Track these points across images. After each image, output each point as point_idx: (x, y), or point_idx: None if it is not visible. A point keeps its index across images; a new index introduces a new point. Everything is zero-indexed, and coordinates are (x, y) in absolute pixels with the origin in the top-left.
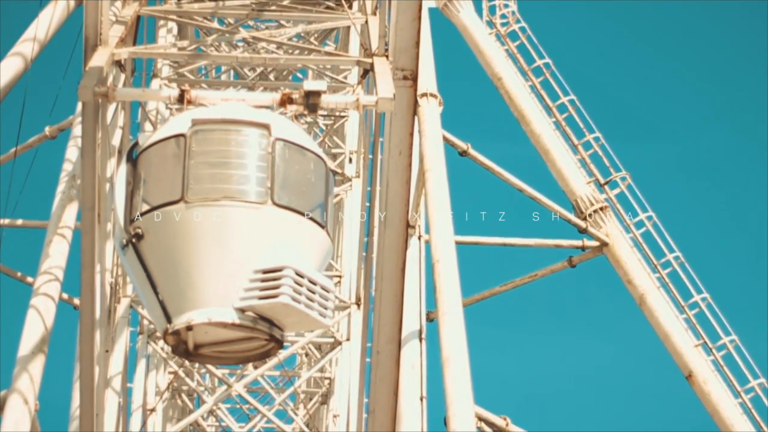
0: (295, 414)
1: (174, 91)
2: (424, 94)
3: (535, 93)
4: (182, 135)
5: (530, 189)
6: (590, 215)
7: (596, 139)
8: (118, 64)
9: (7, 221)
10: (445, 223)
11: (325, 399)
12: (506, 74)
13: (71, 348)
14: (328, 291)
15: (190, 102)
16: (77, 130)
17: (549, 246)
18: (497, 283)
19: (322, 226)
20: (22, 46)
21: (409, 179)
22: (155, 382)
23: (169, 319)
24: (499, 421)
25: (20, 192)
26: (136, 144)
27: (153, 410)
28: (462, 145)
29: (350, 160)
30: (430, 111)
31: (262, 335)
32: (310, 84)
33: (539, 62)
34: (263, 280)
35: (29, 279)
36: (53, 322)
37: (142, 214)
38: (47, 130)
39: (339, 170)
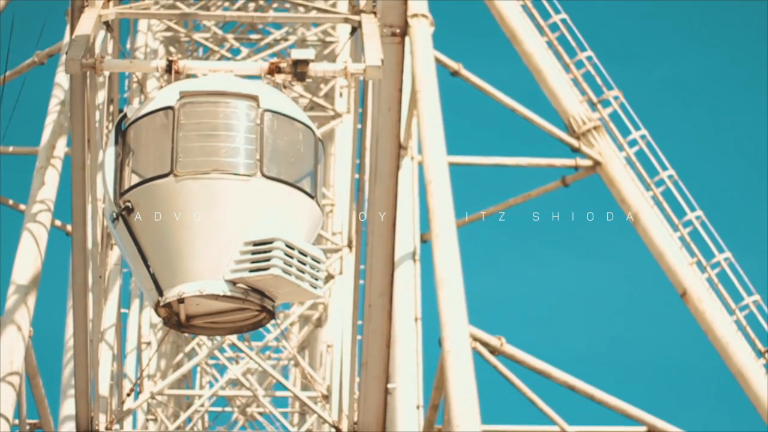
0: (287, 341)
1: (162, 62)
2: (415, 15)
3: (527, 12)
4: (170, 108)
5: (522, 108)
6: (583, 134)
7: (588, 58)
8: (106, 24)
9: None
10: (438, 144)
11: (320, 323)
12: None
13: (64, 277)
14: (318, 262)
15: (178, 72)
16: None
17: (542, 165)
18: (490, 203)
19: (312, 197)
20: None
21: (398, 135)
22: (149, 318)
23: (160, 292)
24: (493, 341)
25: (10, 118)
26: (124, 116)
27: (148, 344)
28: (453, 65)
29: (341, 95)
30: (421, 31)
31: (253, 306)
32: (298, 53)
33: None
34: (254, 252)
35: (22, 206)
36: (46, 249)
37: (131, 188)
38: (36, 55)
39: (330, 105)
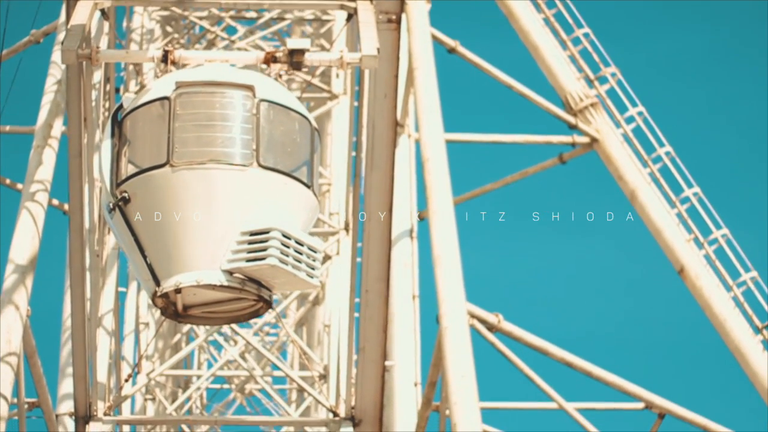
0: (285, 318)
1: (158, 52)
2: None
3: None
4: (167, 98)
5: (519, 85)
6: (580, 111)
7: (586, 35)
8: (102, 12)
9: None
10: (435, 121)
11: (318, 301)
12: None
13: (62, 256)
14: (315, 251)
15: (174, 62)
16: (62, 36)
17: (539, 143)
18: (488, 181)
19: (308, 186)
20: None
21: (395, 121)
22: (147, 298)
23: (157, 282)
24: (491, 318)
25: (6, 98)
26: (120, 107)
27: (146, 324)
28: (450, 42)
29: (337, 75)
30: (418, 8)
31: (250, 296)
32: (294, 42)
33: None
34: (250, 242)
35: (19, 185)
36: (43, 228)
37: (127, 179)
38: (32, 34)
39: (326, 86)
